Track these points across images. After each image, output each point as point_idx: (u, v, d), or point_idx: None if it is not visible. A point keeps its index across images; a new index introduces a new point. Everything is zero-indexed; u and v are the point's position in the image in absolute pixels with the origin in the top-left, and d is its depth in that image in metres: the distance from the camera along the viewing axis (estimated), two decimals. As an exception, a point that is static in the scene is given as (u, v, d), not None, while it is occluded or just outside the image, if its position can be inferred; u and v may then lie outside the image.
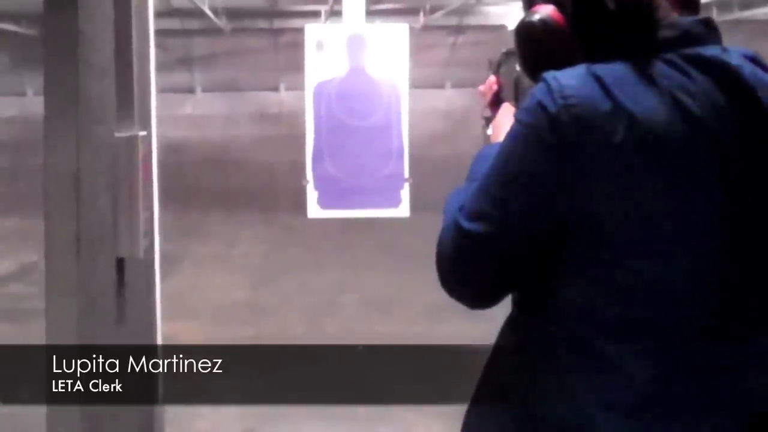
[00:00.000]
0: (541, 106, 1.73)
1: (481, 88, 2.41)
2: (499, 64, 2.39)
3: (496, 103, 2.36)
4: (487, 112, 2.40)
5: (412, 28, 6.52)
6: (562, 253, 1.76)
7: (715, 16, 12.68)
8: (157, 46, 2.50)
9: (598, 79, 1.72)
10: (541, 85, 1.76)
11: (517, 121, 1.79)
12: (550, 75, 1.76)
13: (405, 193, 5.97)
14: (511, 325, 1.96)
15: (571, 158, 1.70)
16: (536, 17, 1.88)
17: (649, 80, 1.73)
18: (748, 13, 13.11)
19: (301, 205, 6.09)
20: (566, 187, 1.71)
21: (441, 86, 17.05)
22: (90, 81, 1.94)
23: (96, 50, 1.98)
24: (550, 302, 1.80)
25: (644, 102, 1.70)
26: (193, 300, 9.18)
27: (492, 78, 2.39)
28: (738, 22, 13.13)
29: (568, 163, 1.70)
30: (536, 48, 1.90)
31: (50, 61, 1.89)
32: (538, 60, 1.90)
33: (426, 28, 15.04)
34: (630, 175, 1.69)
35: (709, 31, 1.84)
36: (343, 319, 8.75)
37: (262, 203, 14.86)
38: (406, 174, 5.98)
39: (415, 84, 6.31)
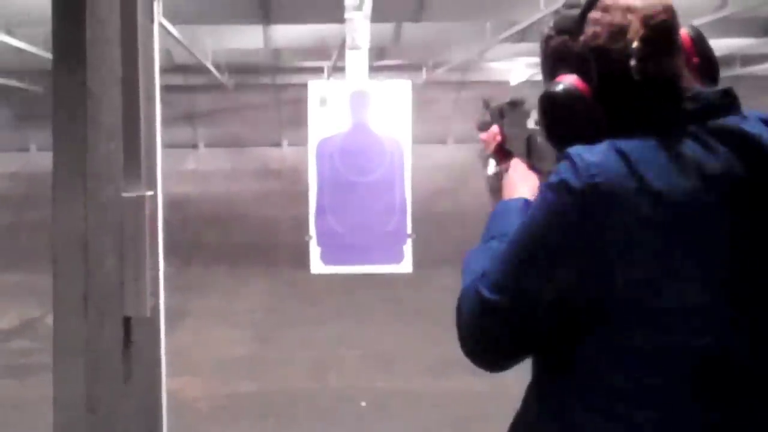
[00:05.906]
0: (565, 183, 1.74)
1: (483, 136, 2.42)
2: (501, 114, 2.40)
3: (500, 152, 2.37)
4: (485, 154, 2.41)
5: (414, 84, 6.55)
6: (581, 322, 1.77)
7: (716, 71, 12.75)
8: (161, 101, 2.51)
9: (622, 156, 1.73)
10: (565, 163, 1.76)
11: (542, 197, 1.80)
12: (574, 152, 1.76)
13: (408, 248, 5.96)
14: (532, 391, 1.97)
15: (594, 233, 1.71)
16: (560, 87, 1.88)
17: (674, 156, 1.73)
18: (748, 69, 13.21)
19: (303, 260, 6.08)
20: (587, 262, 1.72)
21: (444, 141, 17.12)
22: (98, 140, 1.95)
23: (104, 109, 1.99)
24: (569, 368, 1.81)
25: (669, 178, 1.71)
26: (196, 355, 9.15)
27: (495, 128, 2.40)
28: (738, 78, 13.22)
29: (591, 238, 1.71)
30: (560, 117, 1.89)
31: (58, 120, 1.90)
32: (561, 129, 1.90)
33: (429, 83, 15.12)
34: (652, 248, 1.70)
35: (731, 101, 1.85)
36: (346, 373, 8.72)
37: (264, 258, 14.85)
38: (409, 230, 5.98)
39: (418, 139, 6.33)
